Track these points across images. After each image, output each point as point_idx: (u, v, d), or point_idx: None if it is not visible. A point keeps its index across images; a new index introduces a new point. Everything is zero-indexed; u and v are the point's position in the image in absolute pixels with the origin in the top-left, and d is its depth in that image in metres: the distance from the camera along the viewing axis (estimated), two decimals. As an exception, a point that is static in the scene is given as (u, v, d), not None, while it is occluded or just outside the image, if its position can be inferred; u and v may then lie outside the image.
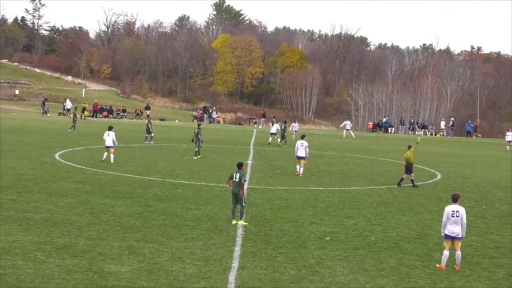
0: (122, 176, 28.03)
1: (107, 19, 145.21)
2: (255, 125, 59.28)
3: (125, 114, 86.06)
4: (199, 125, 41.04)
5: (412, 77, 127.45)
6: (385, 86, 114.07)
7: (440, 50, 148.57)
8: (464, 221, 15.62)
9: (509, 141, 57.45)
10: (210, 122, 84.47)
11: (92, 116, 76.74)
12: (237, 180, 19.24)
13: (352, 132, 65.73)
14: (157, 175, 28.77)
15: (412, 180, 29.43)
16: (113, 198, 22.31)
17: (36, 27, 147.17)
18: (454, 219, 15.50)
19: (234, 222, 19.11)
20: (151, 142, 45.00)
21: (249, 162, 36.08)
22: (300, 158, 31.95)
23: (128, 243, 16.23)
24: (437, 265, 15.68)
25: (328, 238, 17.97)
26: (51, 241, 16.11)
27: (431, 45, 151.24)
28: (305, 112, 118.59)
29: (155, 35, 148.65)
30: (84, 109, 75.53)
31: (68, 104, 79.93)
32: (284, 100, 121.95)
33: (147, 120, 49.52)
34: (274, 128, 52.62)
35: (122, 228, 17.83)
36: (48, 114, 77.64)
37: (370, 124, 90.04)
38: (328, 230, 19.05)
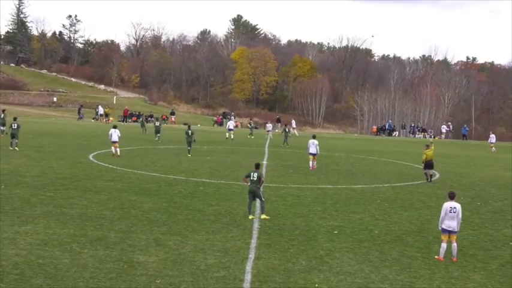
0: (150, 175, 28.10)
1: (135, 33, 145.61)
2: (267, 131, 60.37)
3: (152, 119, 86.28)
4: (189, 126, 41.58)
5: (412, 85, 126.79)
6: (388, 93, 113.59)
7: (438, 60, 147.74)
8: (460, 216, 15.57)
9: (492, 143, 57.47)
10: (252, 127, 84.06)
11: (123, 121, 77.13)
12: (255, 179, 19.21)
13: (296, 131, 66.19)
14: (181, 174, 28.81)
15: (431, 175, 30.44)
16: (141, 195, 22.36)
17: (72, 40, 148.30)
18: (452, 214, 15.44)
19: (250, 217, 19.08)
20: (158, 140, 47.43)
21: (264, 162, 36.04)
22: (311, 154, 33.64)
23: (155, 236, 16.26)
24: (436, 257, 15.56)
25: (336, 232, 17.90)
26: (85, 234, 16.17)
27: (430, 56, 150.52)
28: (315, 117, 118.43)
29: (179, 47, 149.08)
30: (107, 114, 75.74)
31: (101, 110, 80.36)
32: (296, 106, 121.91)
33: (158, 123, 51.51)
34: (232, 124, 55.74)
35: (149, 222, 17.86)
36: (83, 119, 78.01)
37: (375, 128, 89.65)
38: (336, 224, 18.98)
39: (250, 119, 62.68)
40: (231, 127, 55.12)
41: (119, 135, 35.37)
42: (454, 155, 49.70)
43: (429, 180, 30.17)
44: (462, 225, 19.56)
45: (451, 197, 15.78)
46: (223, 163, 34.65)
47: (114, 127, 36.08)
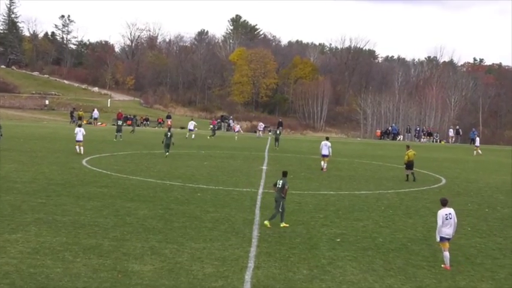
0: (145, 180, 28.08)
1: (130, 34, 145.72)
2: (270, 133, 64.78)
3: (148, 122, 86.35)
4: (169, 128, 43.63)
5: (417, 88, 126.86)
6: (392, 96, 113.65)
7: (444, 61, 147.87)
8: (456, 221, 15.65)
9: (477, 146, 58.50)
10: (227, 130, 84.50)
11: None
12: (279, 186, 19.24)
13: (261, 133, 68.44)
14: (178, 180, 28.79)
15: (413, 173, 32.90)
16: (136, 202, 22.34)
17: (65, 41, 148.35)
18: (448, 221, 15.51)
19: (282, 225, 19.06)
20: (120, 139, 50.36)
21: (264, 167, 36.06)
22: (324, 156, 35.84)
23: (150, 244, 16.23)
24: (442, 266, 15.54)
25: (338, 240, 17.87)
26: (78, 242, 16.14)
27: (436, 57, 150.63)
28: (317, 120, 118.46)
29: (176, 48, 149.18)
30: (80, 117, 75.87)
31: (96, 114, 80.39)
32: (297, 109, 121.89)
33: (120, 122, 54.37)
34: (192, 125, 59.72)
35: (144, 230, 17.83)
36: (76, 123, 77.94)
37: (378, 132, 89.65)
38: (338, 232, 18.95)
39: (218, 119, 65.73)
40: (190, 127, 59.44)
41: (84, 133, 38.80)
42: (461, 160, 49.72)
43: (413, 179, 32.55)
44: (470, 233, 19.60)
45: (444, 203, 15.83)
46: (222, 168, 34.64)
47: (79, 126, 39.95)
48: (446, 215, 15.52)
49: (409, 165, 33.12)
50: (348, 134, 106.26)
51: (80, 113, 78.59)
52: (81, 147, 38.21)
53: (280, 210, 19.21)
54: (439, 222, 15.50)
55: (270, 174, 33.01)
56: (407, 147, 34.47)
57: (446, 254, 15.48)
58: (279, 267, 14.69)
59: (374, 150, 57.38)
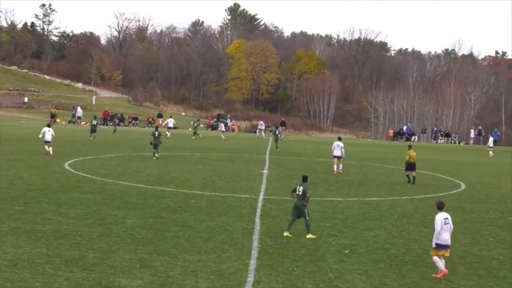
0: (134, 186, 28.06)
1: (118, 24, 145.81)
2: (271, 133, 65.45)
3: (137, 122, 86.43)
4: (156, 127, 44.13)
5: (434, 83, 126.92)
6: (406, 92, 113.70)
7: (463, 55, 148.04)
8: (452, 226, 15.91)
9: (490, 147, 59.10)
10: (225, 130, 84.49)
11: (103, 124, 77.12)
12: (300, 193, 19.23)
13: (263, 134, 68.61)
14: (170, 185, 28.77)
15: (414, 176, 33.71)
16: (124, 209, 22.31)
17: (46, 33, 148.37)
18: (446, 226, 15.70)
19: (285, 234, 19.06)
20: (93, 139, 52.07)
21: (265, 172, 36.05)
22: (336, 157, 36.92)
23: (139, 256, 16.20)
24: (434, 275, 15.67)
25: (347, 251, 17.85)
26: (60, 253, 16.10)
27: (454, 50, 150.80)
28: (323, 120, 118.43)
29: (168, 40, 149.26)
30: (53, 115, 76.02)
31: (79, 112, 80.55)
32: (301, 107, 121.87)
33: (95, 122, 55.45)
34: (171, 122, 62.84)
35: (133, 241, 17.80)
36: (57, 122, 77.99)
37: (391, 132, 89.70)
38: (347, 242, 18.93)
39: (198, 120, 67.11)
40: (170, 125, 62.61)
41: (53, 134, 39.85)
42: (481, 163, 49.71)
43: (412, 182, 33.41)
44: (492, 244, 19.58)
45: (441, 207, 16.04)
46: (218, 172, 34.62)
47: (48, 126, 40.65)
48: (444, 219, 15.74)
49: (411, 166, 34.07)
50: (358, 134, 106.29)
51: (53, 110, 78.82)
52: (50, 148, 39.15)
53: (307, 217, 19.22)
54: (438, 227, 15.67)
55: (272, 179, 33.00)
56: (409, 147, 35.85)
57: (436, 259, 15.64)
58: (282, 282, 14.66)
59: (386, 152, 57.39)
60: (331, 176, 35.10)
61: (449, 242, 15.77)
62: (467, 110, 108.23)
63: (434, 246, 15.79)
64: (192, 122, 64.41)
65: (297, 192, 19.37)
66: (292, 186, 30.31)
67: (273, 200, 25.98)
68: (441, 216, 15.77)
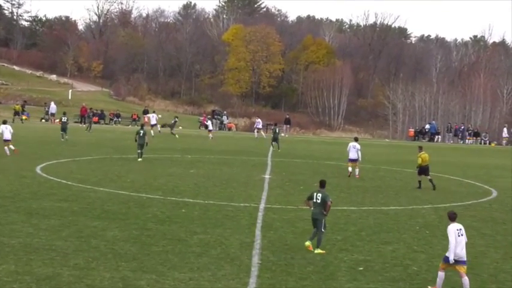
0: (115, 193, 28.04)
1: (98, 7, 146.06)
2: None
3: (119, 119, 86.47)
4: (142, 125, 45.16)
5: (460, 75, 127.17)
6: (429, 85, 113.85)
7: (494, 42, 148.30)
8: (466, 239, 16.00)
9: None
10: (220, 129, 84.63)
11: (80, 122, 77.20)
12: (318, 201, 19.23)
13: (263, 133, 68.83)
14: (157, 192, 28.75)
15: (431, 180, 33.98)
16: (104, 220, 22.29)
17: (15, 17, 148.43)
18: (460, 238, 15.77)
19: (307, 243, 19.07)
20: (66, 138, 52.52)
21: (267, 176, 36.04)
22: (351, 160, 37.55)
23: (122, 274, 16.18)
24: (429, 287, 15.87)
25: (361, 268, 17.83)
26: (30, 271, 16.07)
27: (483, 37, 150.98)
28: (333, 117, 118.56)
29: (155, 26, 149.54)
30: (17, 112, 76.11)
31: (53, 108, 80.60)
32: (308, 103, 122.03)
33: (65, 119, 55.59)
34: (154, 118, 64.28)
35: (114, 256, 17.78)
36: (27, 119, 78.03)
37: (411, 131, 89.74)
38: (361, 258, 18.91)
39: (176, 117, 68.40)
40: (153, 122, 64.08)
41: (11, 131, 40.51)
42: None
43: (432, 187, 33.61)
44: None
45: (453, 218, 16.12)
46: (213, 177, 34.62)
47: (4, 122, 41.56)
48: (458, 230, 15.82)
49: (424, 169, 34.17)
50: (373, 134, 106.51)
51: (17, 106, 78.99)
52: (11, 146, 39.77)
53: (323, 229, 19.23)
54: (452, 239, 15.69)
55: (274, 185, 32.97)
56: (420, 148, 35.56)
57: (442, 274, 15.90)
58: (286, 304, 14.63)
59: (406, 154, 57.31)
60: (343, 182, 35.06)
61: (465, 257, 15.82)
62: (499, 105, 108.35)
63: (452, 261, 15.76)
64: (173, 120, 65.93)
65: (315, 200, 19.38)
66: (297, 193, 30.46)
67: (275, 209, 25.95)
68: (454, 227, 15.84)
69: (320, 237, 19.32)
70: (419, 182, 34.22)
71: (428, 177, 34.10)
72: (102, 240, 19.44)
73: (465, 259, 15.83)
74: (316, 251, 19.11)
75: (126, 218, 22.91)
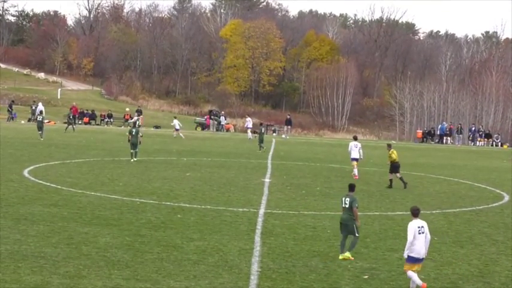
0: (107, 197, 28.06)
1: (88, 1, 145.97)
2: (274, 134, 65.96)
3: (111, 120, 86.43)
4: (134, 123, 46.66)
5: (471, 73, 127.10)
6: (438, 84, 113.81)
7: (506, 39, 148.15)
8: (429, 237, 16.44)
9: None
10: (217, 130, 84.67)
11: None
12: (347, 205, 19.37)
13: (249, 132, 69.00)
14: (152, 196, 28.78)
15: (401, 178, 35.23)
16: (96, 226, 22.32)
17: (0, 12, 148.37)
18: (420, 236, 16.19)
19: (341, 257, 19.10)
20: (41, 139, 53.11)
21: (267, 180, 36.07)
22: (354, 159, 38.60)
23: (115, 282, 16.22)
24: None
25: (366, 276, 17.88)
26: (18, 279, 16.11)
27: (496, 33, 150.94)
28: (337, 117, 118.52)
29: (149, 21, 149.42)
30: None
31: (40, 108, 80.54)
32: (310, 102, 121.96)
33: (40, 117, 57.01)
34: (135, 119, 66.21)
35: (106, 264, 17.82)
36: (15, 119, 78.04)
37: (420, 132, 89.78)
38: (366, 265, 18.96)
39: (204, 116, 68.76)
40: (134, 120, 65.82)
41: None
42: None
43: (404, 186, 34.94)
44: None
45: (416, 214, 16.53)
46: (210, 181, 34.65)
47: None
48: (419, 228, 16.20)
49: (396, 167, 35.42)
50: (379, 135, 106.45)
51: None
52: None
53: (357, 234, 19.39)
54: (410, 237, 16.13)
55: (275, 189, 33.00)
56: (389, 146, 37.22)
57: (411, 273, 16.17)
58: (287, 313, 14.70)
59: (414, 156, 57.42)
60: (347, 186, 35.02)
61: (423, 255, 16.28)
62: (511, 105, 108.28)
63: (406, 257, 16.32)
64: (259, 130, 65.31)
65: (343, 205, 19.50)
66: (299, 198, 30.52)
67: (276, 214, 25.99)
68: (415, 224, 16.23)
69: (355, 242, 19.44)
70: (391, 180, 35.35)
71: (398, 175, 35.30)
72: (93, 247, 19.47)
73: (423, 257, 16.35)
74: (344, 255, 19.12)
75: (118, 223, 22.93)
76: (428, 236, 16.41)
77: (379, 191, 34.45)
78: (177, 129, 65.04)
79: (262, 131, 56.65)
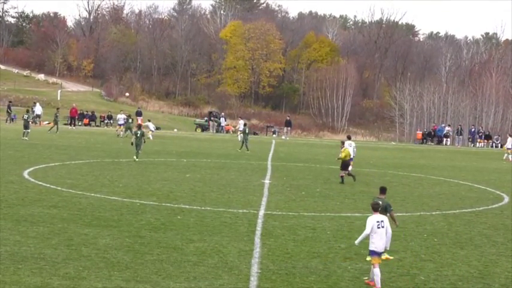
0: (107, 199, 28.05)
1: (88, 3, 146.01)
2: (274, 135, 65.90)
3: (111, 121, 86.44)
4: (139, 126, 46.85)
5: (471, 75, 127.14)
6: (438, 85, 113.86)
7: (506, 40, 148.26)
8: (390, 231, 16.81)
9: (509, 149, 60.62)
10: (217, 131, 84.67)
11: (70, 124, 77.21)
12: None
13: (239, 133, 69.10)
14: (152, 198, 28.77)
15: (349, 173, 37.03)
16: (96, 227, 22.31)
17: (0, 13, 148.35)
18: (380, 231, 16.48)
19: (383, 257, 19.11)
20: (26, 138, 54.24)
21: (266, 181, 36.07)
22: (350, 159, 38.40)
23: (115, 284, 16.21)
24: (365, 278, 16.76)
25: (366, 278, 17.87)
26: (18, 280, 16.10)
27: (496, 34, 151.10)
28: (337, 118, 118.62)
29: (149, 22, 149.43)
30: None
31: (38, 109, 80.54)
32: (310, 103, 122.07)
33: (26, 116, 57.33)
34: (122, 119, 66.73)
35: (106, 265, 17.82)
36: (14, 121, 78.04)
37: (419, 133, 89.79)
38: (366, 267, 18.94)
39: (205, 117, 69.00)
40: (121, 122, 66.61)
41: None
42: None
43: (353, 179, 36.79)
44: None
45: (375, 208, 16.86)
46: (210, 182, 34.65)
47: None
48: (378, 222, 16.47)
49: (347, 164, 37.06)
50: (379, 136, 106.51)
51: None
52: None
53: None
54: (367, 230, 16.49)
55: (275, 190, 33.00)
56: (343, 143, 39.22)
57: (376, 271, 16.44)
58: (287, 315, 14.69)
59: (414, 158, 57.43)
60: (347, 187, 35.09)
61: (382, 249, 16.65)
62: (511, 106, 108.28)
63: (357, 243, 17.05)
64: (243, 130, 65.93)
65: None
66: (299, 199, 30.51)
67: (276, 215, 25.98)
68: (374, 219, 16.52)
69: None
70: (342, 177, 36.53)
71: (347, 171, 36.91)
72: (93, 249, 19.46)
73: (382, 251, 16.68)
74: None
75: (118, 225, 22.92)
76: (389, 230, 16.72)
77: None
78: (152, 131, 65.23)
79: (246, 131, 56.45)
